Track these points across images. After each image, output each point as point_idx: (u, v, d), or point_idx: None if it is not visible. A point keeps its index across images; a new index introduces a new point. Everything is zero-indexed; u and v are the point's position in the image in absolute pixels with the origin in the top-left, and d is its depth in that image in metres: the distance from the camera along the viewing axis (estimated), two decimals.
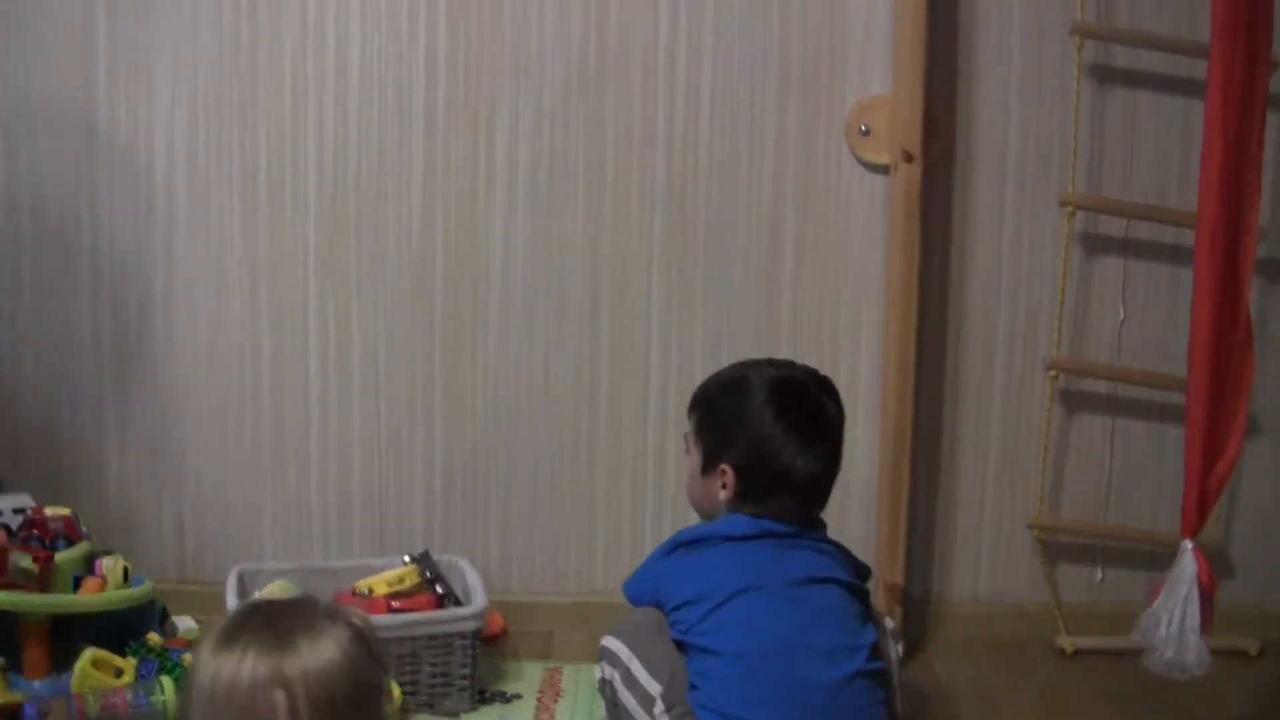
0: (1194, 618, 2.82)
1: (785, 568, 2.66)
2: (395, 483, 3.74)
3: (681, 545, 2.77)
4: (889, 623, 2.87)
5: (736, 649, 2.55)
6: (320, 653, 1.57)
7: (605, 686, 2.73)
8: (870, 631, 2.68)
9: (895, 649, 2.84)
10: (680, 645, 2.65)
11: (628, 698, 2.64)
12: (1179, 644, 2.82)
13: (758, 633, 2.57)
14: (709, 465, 2.81)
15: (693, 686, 2.58)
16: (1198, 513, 2.88)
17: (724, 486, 2.79)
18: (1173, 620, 2.82)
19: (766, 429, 2.73)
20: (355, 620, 1.67)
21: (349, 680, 1.58)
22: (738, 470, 2.75)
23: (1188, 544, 2.86)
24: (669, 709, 2.57)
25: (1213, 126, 2.80)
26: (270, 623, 1.61)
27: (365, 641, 1.65)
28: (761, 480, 2.74)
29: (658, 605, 2.74)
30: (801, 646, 2.56)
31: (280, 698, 1.53)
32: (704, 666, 2.58)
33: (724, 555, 2.69)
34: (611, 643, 2.73)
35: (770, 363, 2.89)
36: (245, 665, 1.55)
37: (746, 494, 2.76)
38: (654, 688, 2.61)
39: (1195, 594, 2.82)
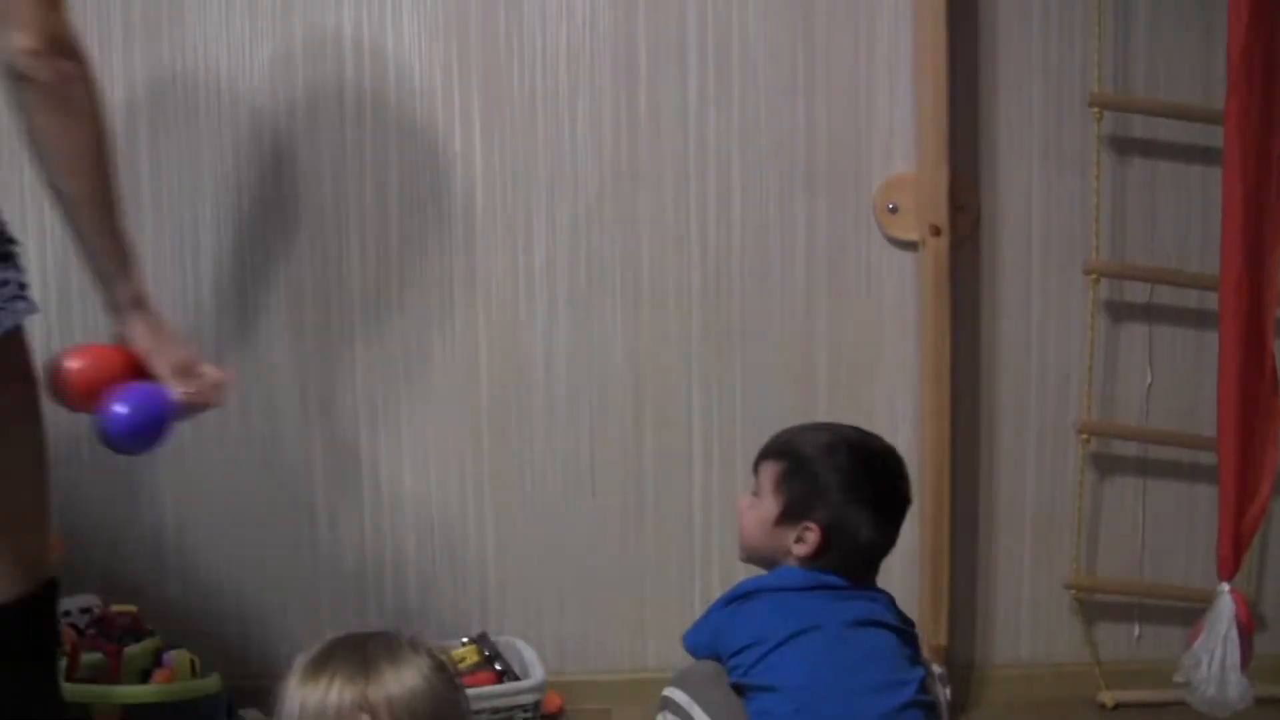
0: (1234, 656, 2.88)
1: (839, 611, 2.71)
2: (449, 574, 3.79)
3: (739, 597, 2.82)
4: (936, 668, 2.92)
5: (795, 684, 2.57)
6: (404, 680, 1.58)
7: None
8: (919, 670, 2.73)
9: (944, 692, 2.89)
10: (739, 689, 2.66)
11: None
12: (1220, 681, 2.88)
13: (815, 669, 2.59)
14: (791, 518, 2.84)
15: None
16: (1233, 555, 2.95)
17: (801, 542, 2.83)
18: (1214, 659, 2.89)
19: (858, 498, 2.76)
20: (436, 651, 1.69)
21: (431, 707, 1.59)
22: (825, 531, 2.80)
23: (1225, 586, 2.93)
24: None
25: (1231, 178, 2.88)
26: (355, 651, 1.62)
27: (446, 671, 1.67)
28: (841, 546, 2.79)
29: (716, 656, 2.75)
30: (855, 684, 2.60)
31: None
32: (763, 704, 2.60)
33: (782, 602, 2.74)
34: (673, 692, 2.74)
35: (846, 428, 2.89)
36: (332, 693, 1.57)
37: (820, 554, 2.85)
38: None
39: (1234, 633, 2.89)
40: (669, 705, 2.75)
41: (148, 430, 2.22)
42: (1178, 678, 2.98)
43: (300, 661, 1.63)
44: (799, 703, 2.57)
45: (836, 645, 2.65)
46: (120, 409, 2.20)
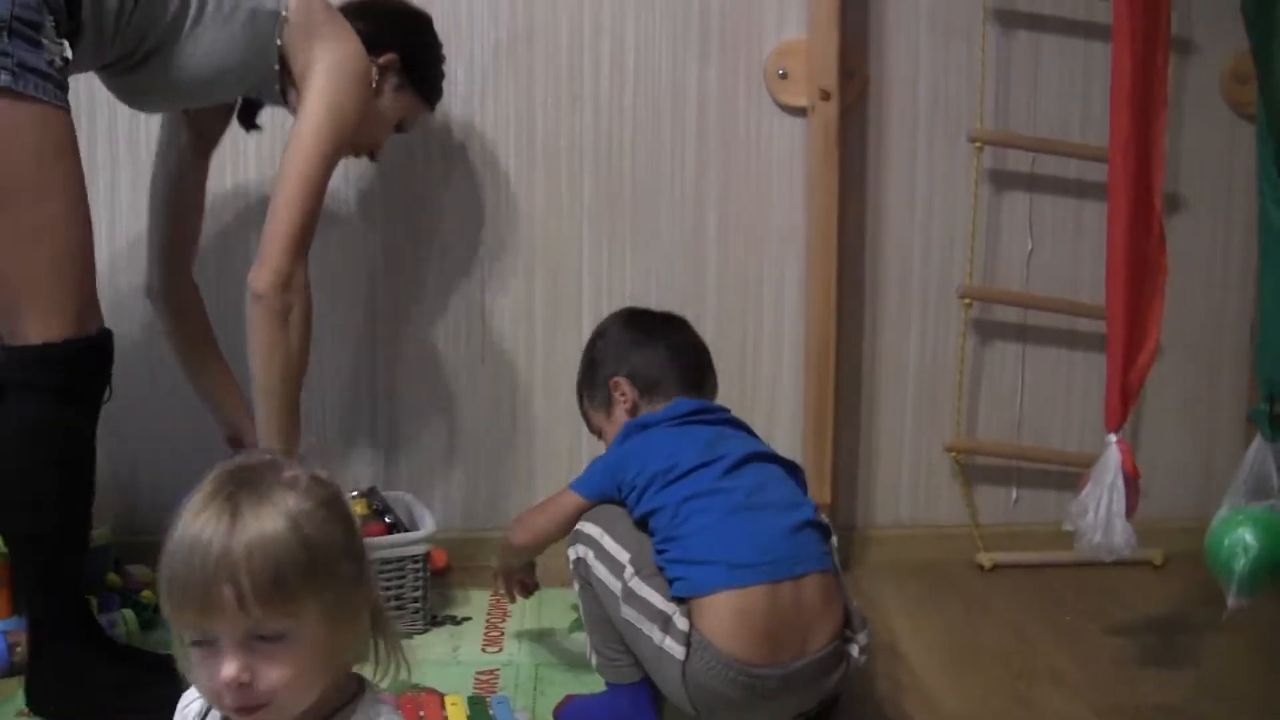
0: (1120, 504, 2.94)
1: (731, 444, 2.78)
2: (341, 428, 3.82)
3: (635, 429, 2.89)
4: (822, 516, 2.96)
5: (701, 506, 2.66)
6: (264, 524, 1.49)
7: (579, 565, 2.80)
8: (810, 500, 2.82)
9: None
10: (644, 522, 2.74)
11: (600, 569, 2.71)
12: (1106, 528, 2.95)
13: (719, 492, 2.68)
14: (602, 398, 3.02)
15: (660, 551, 2.67)
16: (1120, 406, 3.01)
17: (623, 397, 2.96)
18: (1100, 507, 2.95)
19: (634, 334, 3.02)
20: (324, 482, 1.58)
21: (295, 552, 1.49)
22: (629, 377, 2.96)
23: (1112, 436, 3.00)
24: (637, 572, 2.65)
25: (1120, 42, 2.94)
26: (227, 485, 1.53)
27: (329, 506, 1.56)
28: (650, 369, 2.96)
29: (617, 491, 2.82)
30: (760, 501, 2.67)
31: (229, 592, 1.47)
32: (670, 529, 2.67)
33: (675, 434, 2.83)
34: (583, 525, 2.80)
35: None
36: (203, 534, 1.49)
37: (644, 390, 2.96)
38: (623, 555, 2.68)
39: (1120, 482, 2.95)
40: (580, 538, 2.82)
41: None
42: (1065, 525, 3.04)
43: (190, 495, 1.56)
44: (704, 521, 2.65)
45: (736, 471, 2.74)
46: None
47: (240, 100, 3.19)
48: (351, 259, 3.72)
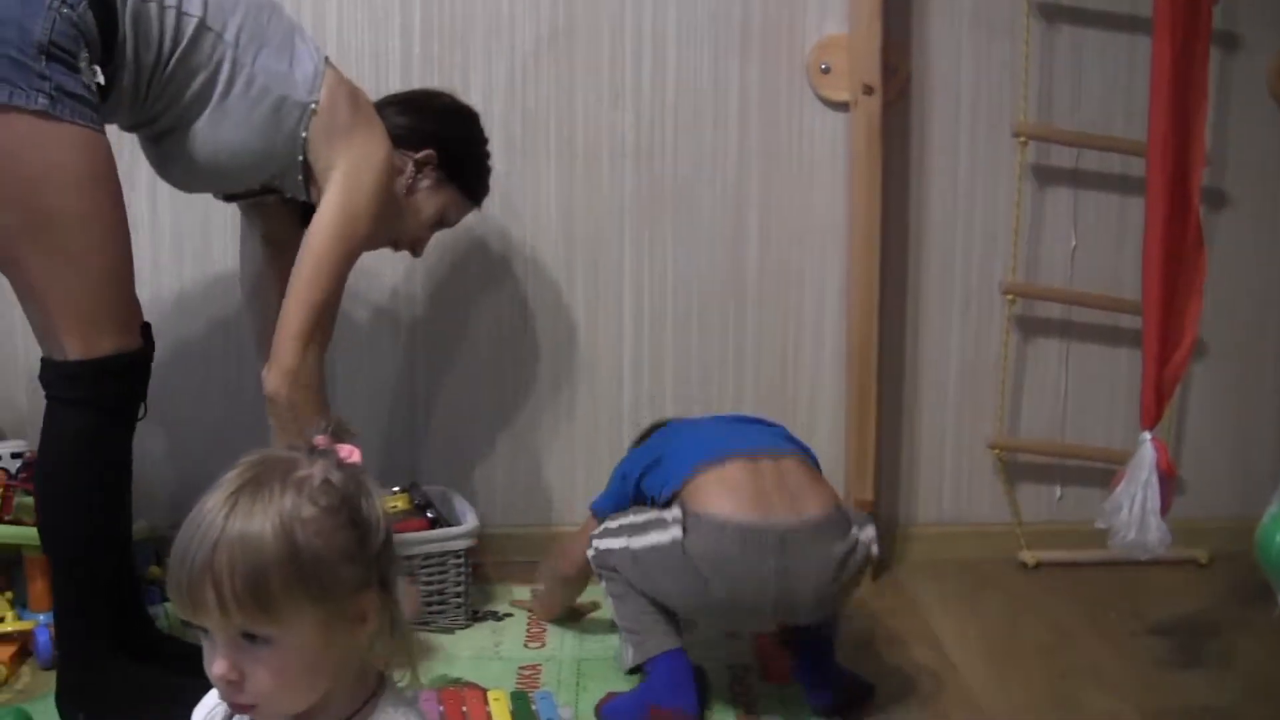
0: (1154, 501, 2.92)
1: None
2: (382, 423, 3.82)
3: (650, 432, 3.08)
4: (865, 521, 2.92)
5: (684, 436, 3.00)
6: (252, 524, 1.46)
7: (595, 558, 2.92)
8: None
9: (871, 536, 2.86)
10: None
11: (607, 542, 2.89)
12: (1141, 525, 2.93)
13: (702, 425, 3.04)
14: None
15: (648, 479, 2.91)
16: (1155, 404, 2.99)
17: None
18: (1134, 504, 2.93)
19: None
20: (338, 487, 1.53)
21: (279, 558, 1.46)
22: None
23: (1146, 434, 2.98)
24: (633, 514, 2.87)
25: (1161, 38, 2.92)
26: (241, 476, 1.52)
27: (333, 515, 1.52)
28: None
29: (633, 488, 2.98)
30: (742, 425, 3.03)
31: (210, 595, 1.45)
32: (655, 459, 2.93)
33: (688, 423, 3.13)
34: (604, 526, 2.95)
35: None
36: (205, 518, 1.48)
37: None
38: (618, 519, 2.90)
39: (1155, 479, 2.93)
40: (605, 533, 2.91)
41: None
42: (1099, 523, 3.02)
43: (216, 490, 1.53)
44: (684, 442, 2.94)
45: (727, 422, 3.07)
46: None
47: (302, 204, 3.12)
48: (392, 256, 3.71)
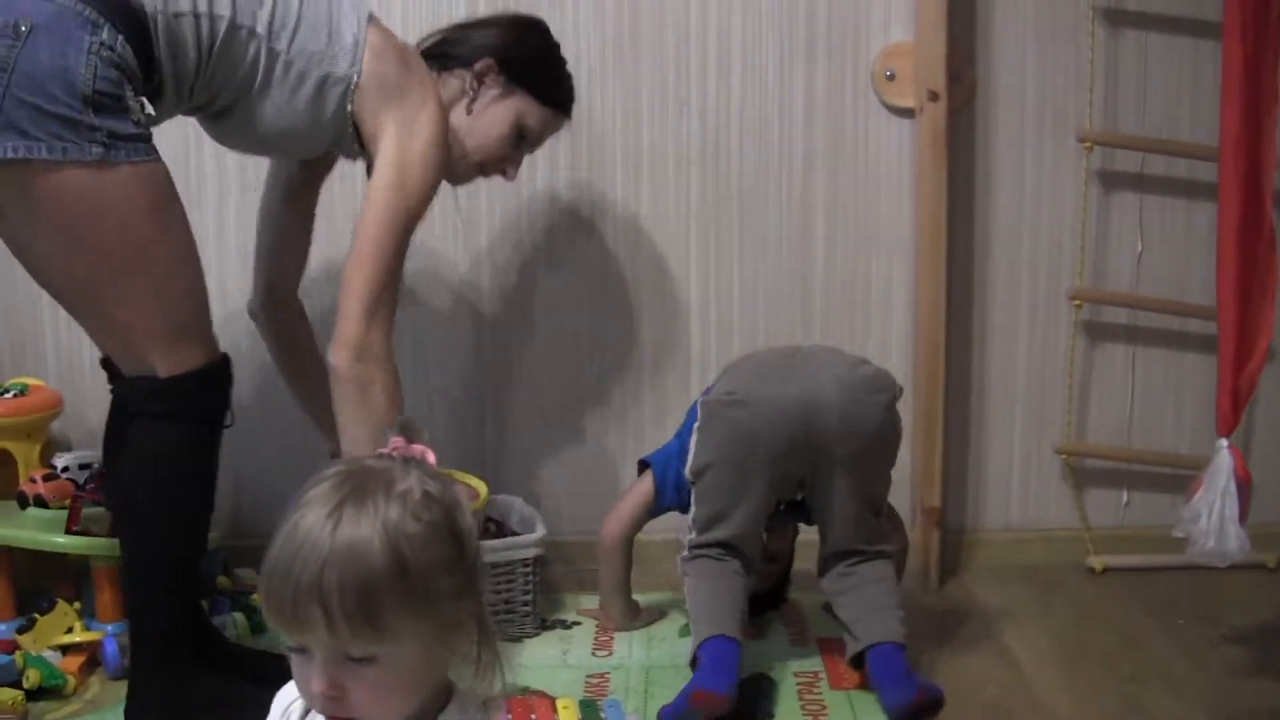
0: (1232, 509, 2.89)
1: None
2: (451, 432, 3.84)
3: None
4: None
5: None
6: (360, 531, 1.46)
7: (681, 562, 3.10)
8: None
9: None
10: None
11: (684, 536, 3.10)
12: (1220, 534, 2.90)
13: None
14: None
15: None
16: (1232, 411, 2.96)
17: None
18: (1213, 513, 2.91)
19: None
20: (436, 498, 1.53)
21: (392, 575, 1.45)
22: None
23: (1223, 441, 2.95)
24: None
25: (1232, 39, 2.89)
26: (341, 486, 1.51)
27: (434, 529, 1.51)
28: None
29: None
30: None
31: (318, 614, 1.44)
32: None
33: None
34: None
35: None
36: (308, 533, 1.47)
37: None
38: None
39: (1233, 487, 2.91)
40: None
41: None
42: (1177, 532, 3.00)
43: (303, 492, 1.54)
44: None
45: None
46: None
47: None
48: (460, 266, 3.75)
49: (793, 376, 3.05)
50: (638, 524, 3.36)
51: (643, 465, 3.38)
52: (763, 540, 3.17)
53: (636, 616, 3.43)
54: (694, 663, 2.90)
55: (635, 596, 3.43)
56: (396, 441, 1.58)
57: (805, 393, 2.99)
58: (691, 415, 3.19)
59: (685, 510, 3.16)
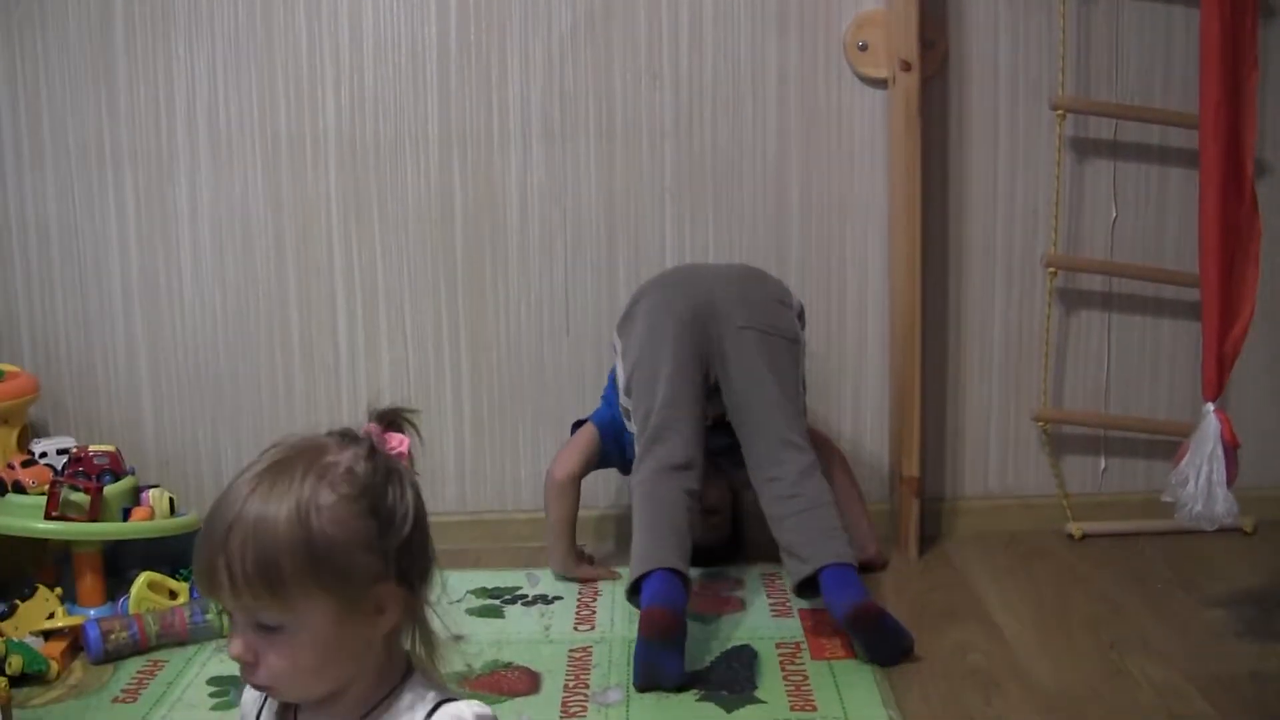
0: (1220, 473, 2.91)
1: None
2: (425, 419, 3.79)
3: None
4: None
5: None
6: (269, 509, 1.46)
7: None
8: None
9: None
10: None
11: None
12: (1207, 497, 2.92)
13: None
14: None
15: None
16: (1217, 376, 2.98)
17: None
18: (1200, 476, 2.93)
19: None
20: (346, 473, 1.51)
21: (289, 544, 1.45)
22: None
23: (1209, 406, 2.97)
24: None
25: (1210, 4, 2.91)
26: (279, 457, 1.52)
27: (352, 495, 1.50)
28: None
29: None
30: None
31: (223, 576, 1.45)
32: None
33: None
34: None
35: None
36: (234, 490, 1.49)
37: None
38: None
39: (1220, 451, 2.93)
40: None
41: None
42: (1165, 496, 3.01)
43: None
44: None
45: None
46: None
47: None
48: (432, 236, 3.76)
49: (693, 273, 3.55)
50: (585, 465, 3.53)
51: (578, 425, 3.59)
52: (705, 440, 3.32)
53: (579, 563, 3.55)
54: (633, 592, 3.02)
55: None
56: (371, 427, 1.57)
57: (704, 279, 3.46)
58: (611, 374, 3.51)
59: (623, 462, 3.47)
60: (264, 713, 1.62)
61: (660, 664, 2.86)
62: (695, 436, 3.27)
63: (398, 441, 1.59)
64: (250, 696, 1.64)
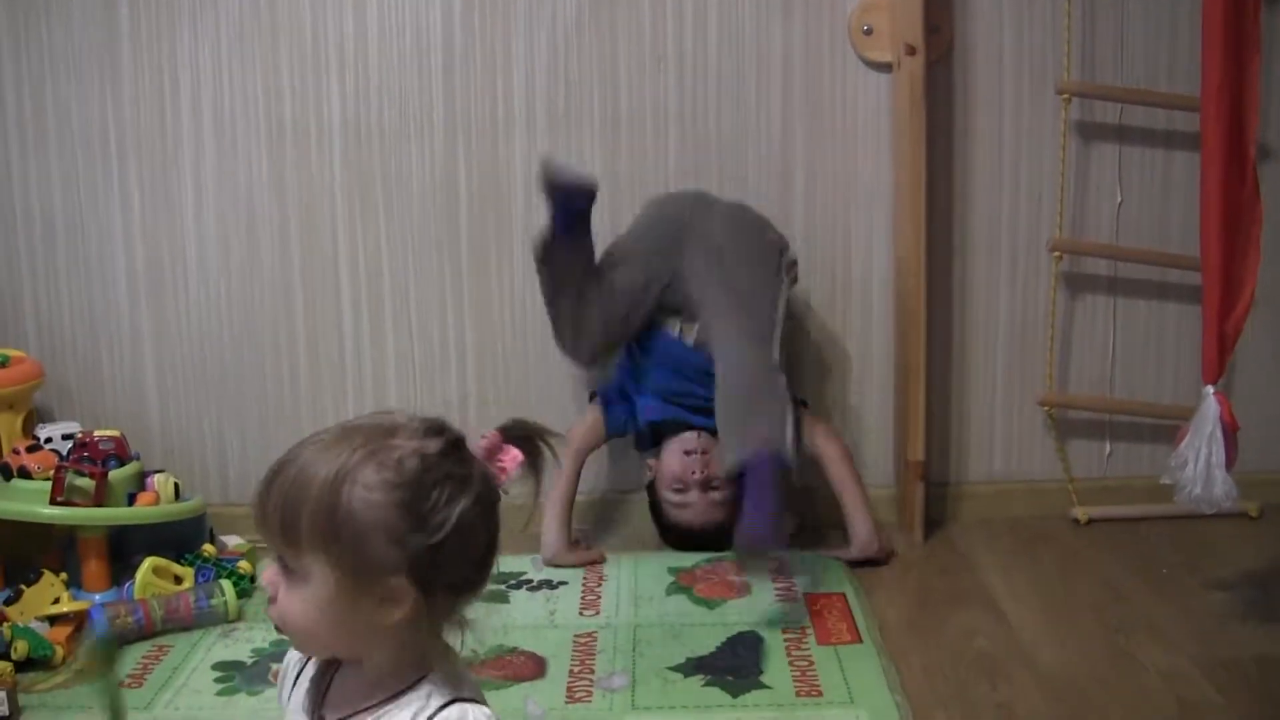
0: (1219, 455, 2.91)
1: None
2: (429, 405, 3.81)
3: None
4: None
5: None
6: (313, 467, 1.48)
7: None
8: None
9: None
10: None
11: None
12: (1206, 480, 2.91)
13: None
14: None
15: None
16: (1217, 358, 2.97)
17: None
18: (1200, 459, 2.92)
19: None
20: (398, 464, 1.49)
21: (323, 507, 1.46)
22: None
23: (1209, 388, 2.96)
24: None
25: None
26: (340, 428, 1.53)
27: (398, 490, 1.48)
28: None
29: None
30: None
31: (258, 510, 1.50)
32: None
33: None
34: None
35: None
36: (275, 466, 1.52)
37: None
38: None
39: (1219, 434, 2.92)
40: None
41: None
42: (1164, 479, 3.01)
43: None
44: None
45: None
46: None
47: None
48: (437, 223, 3.77)
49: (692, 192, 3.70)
50: (586, 444, 3.59)
51: (592, 396, 3.66)
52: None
53: (572, 549, 3.57)
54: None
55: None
56: (492, 433, 1.58)
57: (695, 201, 3.62)
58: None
59: (636, 434, 3.63)
60: (302, 675, 1.64)
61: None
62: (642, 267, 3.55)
63: (510, 458, 1.57)
64: (294, 656, 1.66)
